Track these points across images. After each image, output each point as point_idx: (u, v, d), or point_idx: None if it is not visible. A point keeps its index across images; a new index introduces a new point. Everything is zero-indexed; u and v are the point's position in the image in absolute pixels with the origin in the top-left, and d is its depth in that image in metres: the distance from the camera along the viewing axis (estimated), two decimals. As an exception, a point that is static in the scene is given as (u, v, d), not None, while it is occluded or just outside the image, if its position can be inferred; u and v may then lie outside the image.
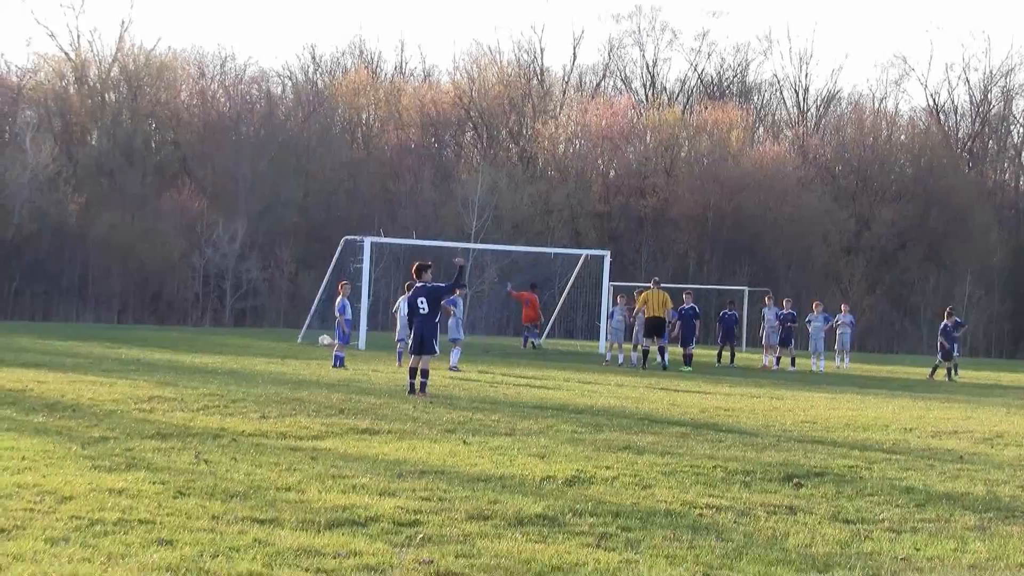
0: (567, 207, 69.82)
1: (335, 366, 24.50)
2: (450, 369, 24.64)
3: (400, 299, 25.24)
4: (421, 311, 18.59)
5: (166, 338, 36.43)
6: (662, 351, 29.84)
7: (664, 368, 29.21)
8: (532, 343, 37.74)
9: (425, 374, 18.48)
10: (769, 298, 36.31)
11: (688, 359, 30.47)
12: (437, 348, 19.14)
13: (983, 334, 70.47)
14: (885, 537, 8.69)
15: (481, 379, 22.79)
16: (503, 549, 7.72)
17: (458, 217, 66.09)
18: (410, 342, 18.91)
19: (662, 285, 31.19)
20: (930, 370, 32.33)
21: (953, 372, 32.68)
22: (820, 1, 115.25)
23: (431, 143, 78.08)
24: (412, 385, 18.42)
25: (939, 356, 32.57)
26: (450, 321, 25.48)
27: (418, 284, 18.80)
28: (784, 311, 34.04)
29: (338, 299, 26.30)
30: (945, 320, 32.85)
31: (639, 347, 30.81)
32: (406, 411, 15.62)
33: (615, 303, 32.94)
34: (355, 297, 35.81)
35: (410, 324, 18.92)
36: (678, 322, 31.34)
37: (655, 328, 29.73)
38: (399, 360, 25.89)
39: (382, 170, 73.38)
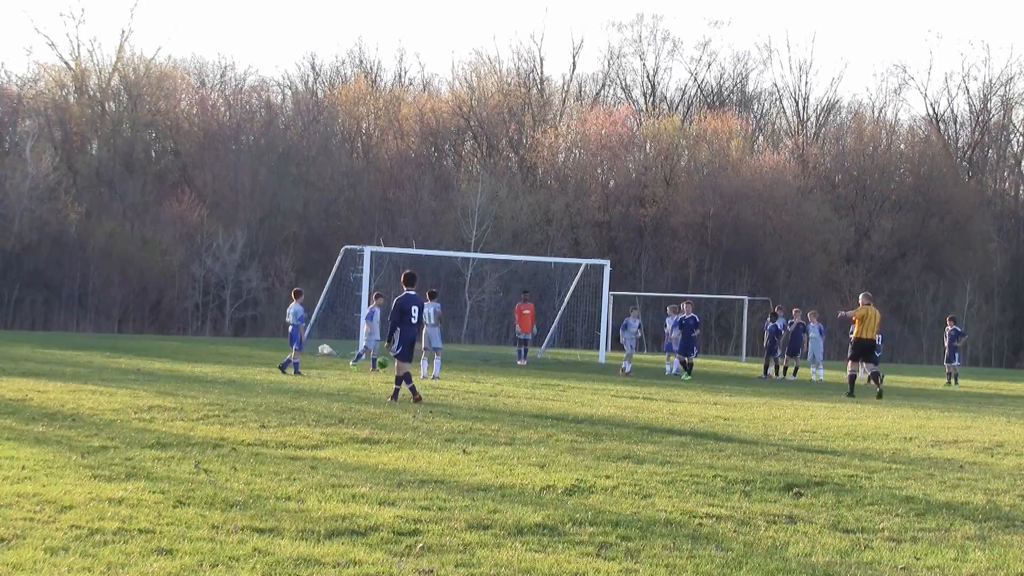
0: (566, 216, 69.87)
1: (295, 372, 24.61)
2: (433, 378, 24.72)
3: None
4: (413, 319, 18.99)
5: (166, 348, 36.43)
6: (877, 377, 25.56)
7: (879, 396, 24.70)
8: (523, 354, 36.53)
9: (408, 378, 18.98)
10: (780, 308, 36.27)
11: (689, 367, 30.73)
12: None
13: (983, 343, 70.49)
14: (885, 546, 8.69)
15: (481, 389, 22.78)
16: (503, 558, 7.72)
17: (458, 226, 66.16)
18: (397, 348, 19.17)
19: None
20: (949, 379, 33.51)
21: (953, 380, 32.99)
22: (819, 10, 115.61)
23: (431, 152, 78.18)
24: (413, 389, 18.73)
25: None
26: (430, 330, 25.51)
27: (410, 293, 19.10)
28: (794, 321, 34.15)
29: (292, 305, 26.21)
30: (949, 326, 34.33)
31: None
32: (406, 420, 15.62)
33: (629, 314, 32.88)
34: (354, 306, 35.87)
35: (393, 329, 19.17)
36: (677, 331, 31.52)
37: (867, 350, 25.89)
38: (374, 366, 26.23)
39: (382, 179, 73.47)
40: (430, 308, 25.42)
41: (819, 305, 51.62)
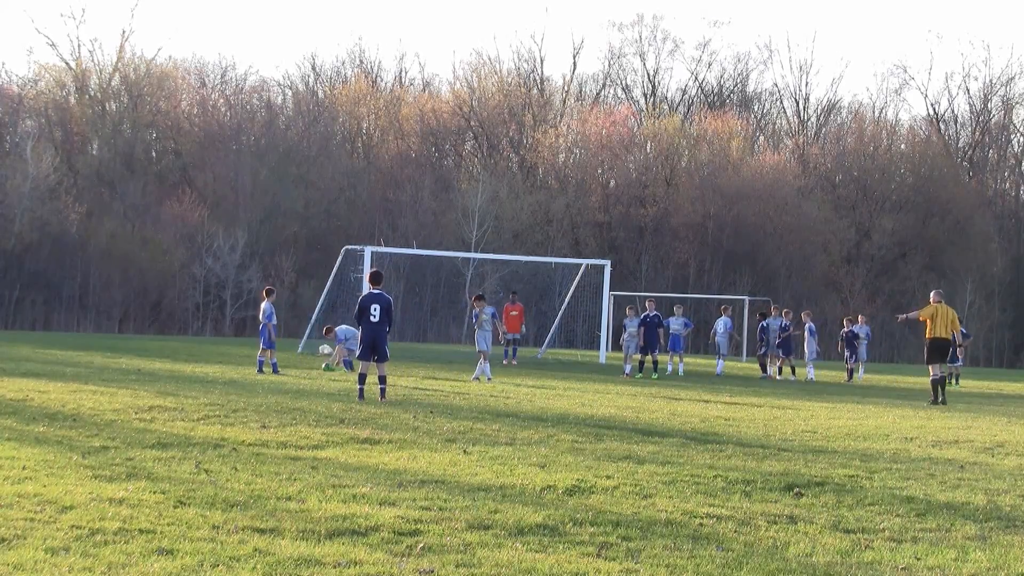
0: (567, 217, 69.89)
1: (274, 372, 24.68)
2: (488, 380, 24.92)
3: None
4: (373, 318, 18.97)
5: (166, 348, 36.43)
6: (944, 381, 24.49)
7: (944, 402, 23.93)
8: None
9: (383, 380, 18.91)
10: (775, 308, 36.28)
11: (654, 365, 31.08)
12: (388, 353, 19.41)
13: (983, 343, 70.46)
14: (885, 547, 8.68)
15: (481, 389, 22.79)
16: (503, 558, 7.72)
17: (458, 227, 66.16)
18: (357, 347, 19.29)
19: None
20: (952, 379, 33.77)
21: (954, 380, 33.07)
22: (820, 10, 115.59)
23: (431, 152, 78.18)
24: (362, 391, 18.80)
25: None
26: (485, 334, 25.99)
27: (373, 291, 19.25)
28: (786, 321, 34.18)
29: (264, 304, 26.15)
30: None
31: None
32: (406, 420, 15.61)
33: (627, 315, 32.96)
34: (354, 307, 35.81)
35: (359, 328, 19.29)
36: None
37: (943, 350, 24.26)
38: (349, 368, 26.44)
39: (382, 179, 73.50)
40: (484, 312, 26.33)
41: (819, 305, 51.68)
